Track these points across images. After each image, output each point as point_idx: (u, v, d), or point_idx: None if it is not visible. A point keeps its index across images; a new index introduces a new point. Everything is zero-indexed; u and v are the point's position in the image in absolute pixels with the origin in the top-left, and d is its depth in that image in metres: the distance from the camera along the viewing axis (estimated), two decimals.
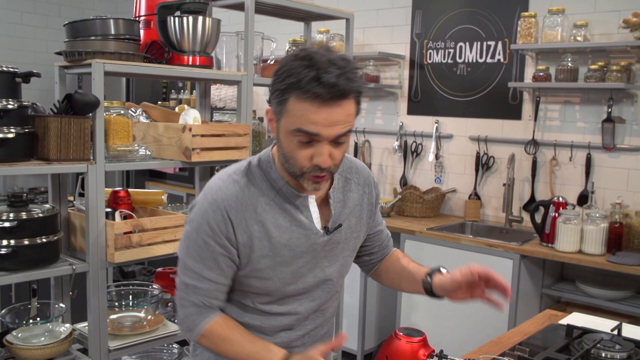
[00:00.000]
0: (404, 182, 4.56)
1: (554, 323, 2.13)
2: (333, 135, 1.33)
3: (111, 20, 2.43)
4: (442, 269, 1.59)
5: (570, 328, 1.97)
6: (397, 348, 1.34)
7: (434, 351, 1.33)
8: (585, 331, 1.96)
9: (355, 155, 4.73)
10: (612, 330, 1.94)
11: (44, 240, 2.23)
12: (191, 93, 5.17)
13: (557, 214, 3.38)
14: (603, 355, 1.78)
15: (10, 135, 2.11)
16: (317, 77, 1.27)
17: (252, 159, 1.52)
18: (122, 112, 2.50)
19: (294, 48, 3.31)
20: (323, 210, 1.52)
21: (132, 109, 2.78)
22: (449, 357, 1.31)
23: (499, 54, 4.05)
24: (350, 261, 1.65)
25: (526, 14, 3.75)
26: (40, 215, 2.23)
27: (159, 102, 5.30)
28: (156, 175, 5.72)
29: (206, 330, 1.47)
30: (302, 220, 1.47)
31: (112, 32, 2.44)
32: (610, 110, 3.57)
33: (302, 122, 1.31)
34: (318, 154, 1.34)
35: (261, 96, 4.93)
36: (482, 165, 4.15)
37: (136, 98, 5.40)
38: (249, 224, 1.42)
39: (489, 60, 4.10)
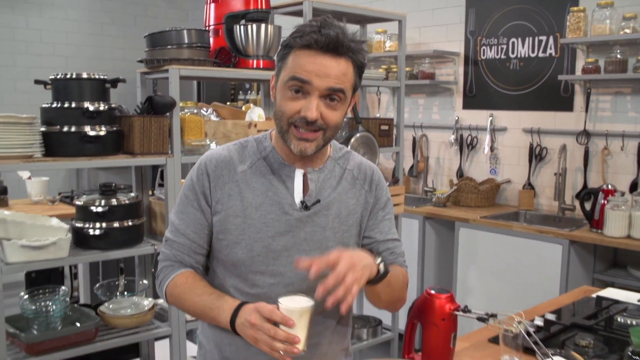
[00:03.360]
0: (460, 174, 4.73)
1: (587, 296, 2.30)
2: (324, 87, 1.35)
3: (185, 31, 2.75)
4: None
5: (599, 299, 2.14)
6: (427, 304, 1.56)
7: (459, 306, 1.55)
8: (614, 302, 2.12)
9: (414, 149, 4.93)
10: (638, 301, 2.10)
11: (130, 223, 2.56)
12: (257, 93, 5.49)
13: (605, 201, 3.49)
14: (628, 322, 1.93)
15: (102, 133, 2.45)
16: (318, 29, 1.35)
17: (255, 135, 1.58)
18: (195, 111, 2.82)
19: None
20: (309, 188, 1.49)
21: (204, 109, 3.10)
22: (472, 311, 1.53)
23: (551, 48, 4.17)
24: None
25: (575, 8, 3.86)
26: (127, 202, 2.56)
27: (228, 103, 5.65)
28: None
29: (171, 283, 1.48)
30: (279, 189, 1.46)
31: (186, 41, 2.76)
32: None
33: (296, 70, 1.35)
34: (306, 106, 1.36)
35: None
36: (536, 156, 4.28)
37: (207, 99, 5.78)
38: (225, 181, 1.47)
39: (540, 54, 4.23)
